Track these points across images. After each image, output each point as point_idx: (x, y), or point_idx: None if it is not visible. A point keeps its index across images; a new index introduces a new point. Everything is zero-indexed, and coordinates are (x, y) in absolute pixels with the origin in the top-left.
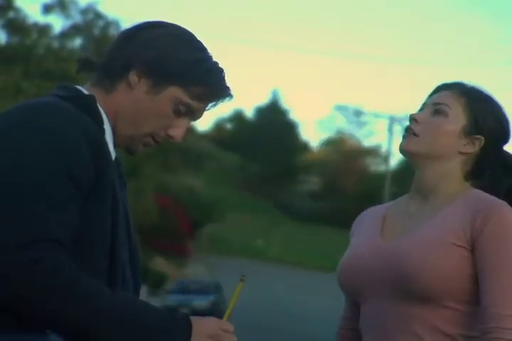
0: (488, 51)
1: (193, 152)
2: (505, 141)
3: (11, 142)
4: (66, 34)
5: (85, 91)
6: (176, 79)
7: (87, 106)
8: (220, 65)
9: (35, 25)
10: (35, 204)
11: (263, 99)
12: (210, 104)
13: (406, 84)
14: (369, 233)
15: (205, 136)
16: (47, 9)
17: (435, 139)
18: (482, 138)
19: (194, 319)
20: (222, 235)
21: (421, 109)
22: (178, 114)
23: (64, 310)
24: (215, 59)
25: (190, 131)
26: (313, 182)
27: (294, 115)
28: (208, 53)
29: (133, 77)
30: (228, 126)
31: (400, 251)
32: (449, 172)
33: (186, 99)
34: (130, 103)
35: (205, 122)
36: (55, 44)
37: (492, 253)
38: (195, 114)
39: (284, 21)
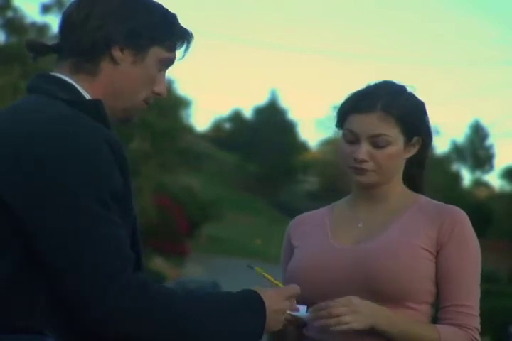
0: (487, 51)
1: (192, 152)
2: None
3: (52, 171)
4: None
5: (81, 90)
6: (153, 41)
7: (97, 112)
8: (170, 10)
9: (34, 24)
10: (103, 229)
11: (261, 99)
12: (184, 50)
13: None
14: (318, 239)
15: (203, 136)
16: (45, 9)
17: (392, 167)
18: (420, 138)
19: (263, 294)
20: (221, 235)
21: (346, 136)
22: (160, 70)
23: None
24: (164, 5)
25: (189, 130)
26: (311, 182)
27: (293, 115)
28: (159, 3)
29: (116, 52)
30: (227, 125)
31: (370, 253)
32: (398, 178)
33: (166, 54)
34: (120, 79)
35: (203, 122)
36: None
37: (457, 258)
38: (171, 64)
39: (283, 21)
